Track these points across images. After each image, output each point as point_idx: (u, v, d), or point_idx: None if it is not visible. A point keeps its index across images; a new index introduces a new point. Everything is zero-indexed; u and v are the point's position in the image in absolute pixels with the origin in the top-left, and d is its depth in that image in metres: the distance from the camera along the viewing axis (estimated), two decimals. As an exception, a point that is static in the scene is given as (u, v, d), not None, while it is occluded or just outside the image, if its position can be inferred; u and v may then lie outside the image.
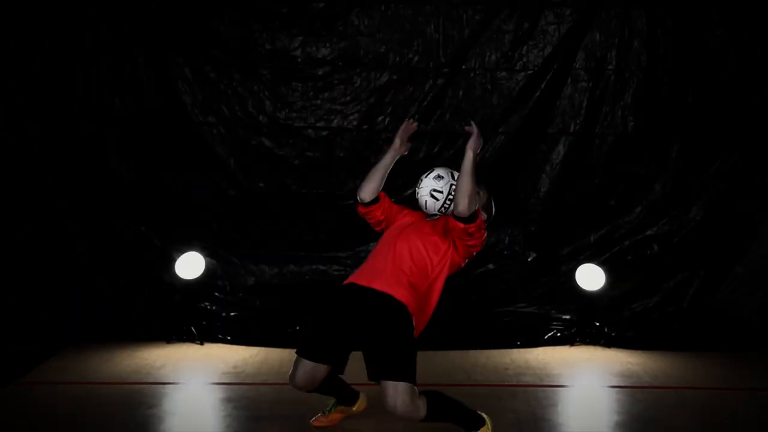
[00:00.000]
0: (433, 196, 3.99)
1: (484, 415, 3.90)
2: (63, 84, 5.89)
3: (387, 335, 3.69)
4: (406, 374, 3.59)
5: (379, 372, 3.63)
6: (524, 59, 5.95)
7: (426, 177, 4.04)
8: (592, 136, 6.00)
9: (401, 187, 5.63)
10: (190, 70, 5.95)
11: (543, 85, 5.95)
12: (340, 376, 3.95)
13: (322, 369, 3.80)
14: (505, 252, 6.07)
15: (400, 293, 3.75)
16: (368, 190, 4.06)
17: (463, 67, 5.95)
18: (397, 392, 3.55)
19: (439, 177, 4.01)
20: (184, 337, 5.80)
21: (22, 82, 5.85)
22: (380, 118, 6.01)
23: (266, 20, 5.92)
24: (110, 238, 6.01)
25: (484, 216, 3.95)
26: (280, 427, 4.20)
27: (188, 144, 6.01)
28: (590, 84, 5.96)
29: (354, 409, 4.24)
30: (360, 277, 3.89)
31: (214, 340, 5.84)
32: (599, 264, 5.90)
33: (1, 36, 5.78)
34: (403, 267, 3.82)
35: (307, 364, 3.79)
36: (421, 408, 3.62)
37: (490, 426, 3.87)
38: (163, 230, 6.05)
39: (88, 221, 5.99)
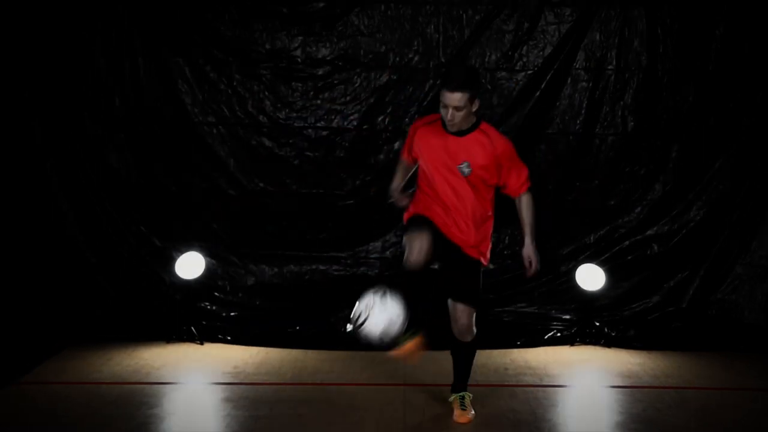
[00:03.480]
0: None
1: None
2: (64, 84, 5.90)
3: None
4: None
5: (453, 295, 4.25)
6: (524, 59, 5.95)
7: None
8: (592, 136, 6.00)
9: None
10: (190, 70, 5.95)
11: (543, 85, 5.95)
12: None
13: (432, 240, 4.01)
14: (505, 252, 6.07)
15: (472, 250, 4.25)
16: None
17: (463, 67, 5.96)
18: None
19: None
20: (184, 337, 5.80)
21: (23, 82, 5.86)
22: (380, 118, 6.01)
23: (266, 20, 5.92)
24: (110, 237, 6.01)
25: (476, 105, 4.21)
26: (280, 427, 4.20)
27: (188, 144, 6.01)
28: (590, 84, 5.96)
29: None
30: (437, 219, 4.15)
31: (214, 340, 5.83)
32: (599, 264, 5.89)
33: (3, 36, 5.79)
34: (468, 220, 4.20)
35: (423, 237, 3.97)
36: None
37: (468, 400, 4.35)
38: (163, 230, 6.05)
39: (88, 221, 6.00)
